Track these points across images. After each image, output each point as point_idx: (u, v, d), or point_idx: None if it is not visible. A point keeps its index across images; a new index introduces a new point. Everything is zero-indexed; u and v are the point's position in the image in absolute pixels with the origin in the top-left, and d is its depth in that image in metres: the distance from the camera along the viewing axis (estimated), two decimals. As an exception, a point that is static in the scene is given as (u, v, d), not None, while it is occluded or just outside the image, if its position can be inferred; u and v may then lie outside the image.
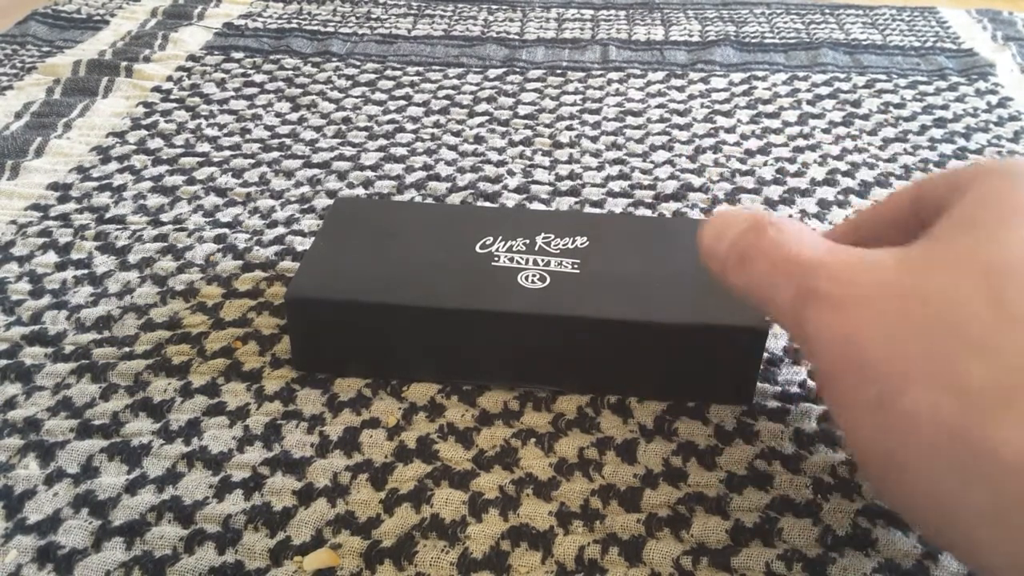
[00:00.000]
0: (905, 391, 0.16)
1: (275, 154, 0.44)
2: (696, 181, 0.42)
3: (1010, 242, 0.17)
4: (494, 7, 0.66)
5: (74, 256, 0.36)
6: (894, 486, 0.17)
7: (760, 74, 0.54)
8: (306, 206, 0.40)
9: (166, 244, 0.37)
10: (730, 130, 0.47)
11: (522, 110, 0.49)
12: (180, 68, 0.55)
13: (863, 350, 0.17)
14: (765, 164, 0.44)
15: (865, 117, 0.49)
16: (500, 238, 0.31)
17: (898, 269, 0.18)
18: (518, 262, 0.30)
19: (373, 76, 0.54)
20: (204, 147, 0.45)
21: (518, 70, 0.55)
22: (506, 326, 0.28)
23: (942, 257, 0.17)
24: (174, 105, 0.50)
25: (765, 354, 0.31)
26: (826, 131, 0.47)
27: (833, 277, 0.19)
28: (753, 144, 0.46)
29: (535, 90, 0.52)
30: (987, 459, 0.15)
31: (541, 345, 0.28)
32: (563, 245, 0.31)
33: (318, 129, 0.47)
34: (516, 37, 0.60)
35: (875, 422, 0.17)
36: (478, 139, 0.46)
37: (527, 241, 0.31)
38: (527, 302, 0.28)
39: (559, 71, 0.55)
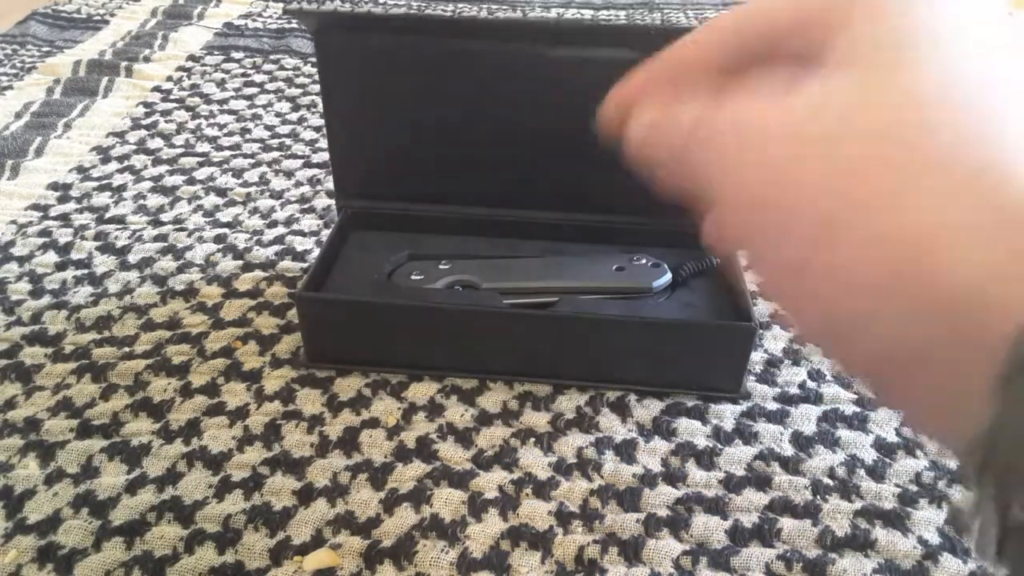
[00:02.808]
0: (836, 249, 0.14)
1: (275, 154, 0.44)
2: (696, 181, 0.42)
3: (922, 69, 0.14)
4: (494, 7, 0.66)
5: (74, 256, 0.36)
6: (837, 345, 0.15)
7: (760, 74, 0.54)
8: (306, 206, 0.40)
9: (166, 244, 0.37)
10: (730, 130, 0.47)
11: (522, 110, 0.49)
12: (180, 68, 0.55)
13: (784, 203, 0.15)
14: (765, 164, 0.44)
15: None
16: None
17: (799, 111, 0.15)
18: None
19: (373, 76, 0.53)
20: (204, 147, 0.45)
21: (518, 70, 0.55)
22: (505, 320, 0.28)
23: (850, 99, 0.15)
24: (174, 105, 0.50)
25: (764, 355, 0.31)
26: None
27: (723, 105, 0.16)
28: (753, 144, 0.46)
29: (535, 90, 0.52)
30: (941, 291, 0.13)
31: (540, 339, 0.29)
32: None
33: (318, 129, 0.47)
34: (516, 37, 0.60)
35: (804, 286, 0.15)
36: (478, 139, 0.46)
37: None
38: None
39: (559, 71, 0.55)
